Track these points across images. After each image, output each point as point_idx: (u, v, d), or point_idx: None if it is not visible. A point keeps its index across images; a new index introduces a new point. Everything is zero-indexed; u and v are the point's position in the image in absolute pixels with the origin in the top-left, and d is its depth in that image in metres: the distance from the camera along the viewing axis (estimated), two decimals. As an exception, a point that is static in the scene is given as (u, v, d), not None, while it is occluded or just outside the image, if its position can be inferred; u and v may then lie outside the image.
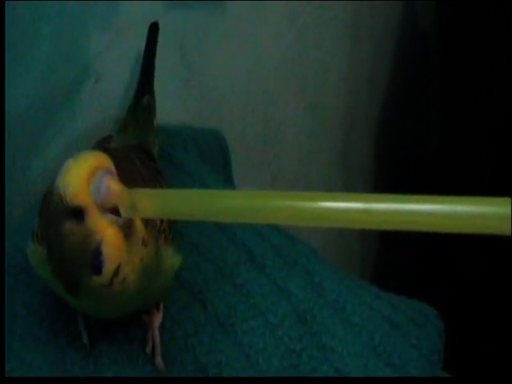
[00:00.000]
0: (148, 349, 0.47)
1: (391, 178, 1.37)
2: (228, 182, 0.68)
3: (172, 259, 0.45)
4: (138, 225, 0.40)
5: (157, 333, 0.48)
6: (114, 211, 0.38)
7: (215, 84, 0.77)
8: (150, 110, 0.57)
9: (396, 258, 1.50)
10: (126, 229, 0.39)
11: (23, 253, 0.49)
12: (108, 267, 0.39)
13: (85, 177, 0.38)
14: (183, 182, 0.59)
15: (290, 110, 0.94)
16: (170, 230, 0.45)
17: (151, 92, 0.58)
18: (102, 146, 0.50)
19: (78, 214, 0.38)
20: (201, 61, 0.73)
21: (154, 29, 0.61)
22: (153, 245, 0.42)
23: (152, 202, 0.38)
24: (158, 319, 0.48)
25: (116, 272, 0.39)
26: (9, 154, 0.53)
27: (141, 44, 0.63)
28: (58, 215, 0.38)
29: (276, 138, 0.91)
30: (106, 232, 0.38)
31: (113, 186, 0.38)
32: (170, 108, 0.70)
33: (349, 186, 1.18)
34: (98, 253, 0.38)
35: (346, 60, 1.08)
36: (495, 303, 1.34)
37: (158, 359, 0.47)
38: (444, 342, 0.56)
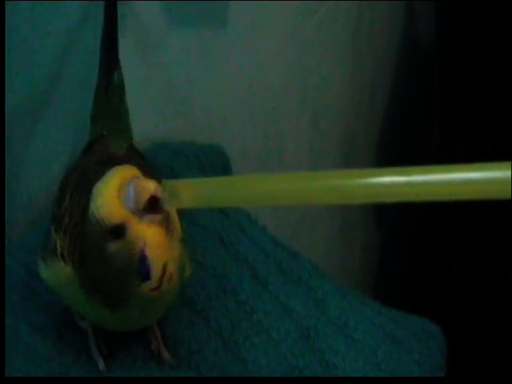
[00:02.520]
0: (153, 346, 0.48)
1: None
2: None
3: (191, 262, 0.46)
4: (175, 219, 0.40)
5: (156, 329, 0.48)
6: (151, 209, 0.38)
7: (217, 100, 0.77)
8: (121, 87, 0.53)
9: (397, 270, 1.50)
10: (165, 224, 0.39)
11: (27, 269, 0.49)
12: (156, 269, 0.39)
13: (114, 193, 0.38)
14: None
15: (291, 125, 0.94)
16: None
17: (119, 68, 0.53)
18: (102, 151, 0.49)
19: (117, 231, 0.38)
20: (203, 77, 0.73)
21: (112, 2, 0.53)
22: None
23: (192, 191, 0.38)
24: None
25: (163, 271, 0.39)
26: (12, 170, 0.53)
27: (145, 62, 0.63)
28: (99, 240, 0.39)
29: (277, 153, 0.92)
30: (147, 234, 0.38)
31: (138, 183, 0.38)
32: (172, 124, 0.70)
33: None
34: (143, 258, 0.39)
35: (347, 75, 1.09)
36: (492, 310, 1.34)
37: (165, 354, 0.47)
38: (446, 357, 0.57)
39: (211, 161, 0.68)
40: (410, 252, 1.50)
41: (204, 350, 0.48)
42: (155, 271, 0.39)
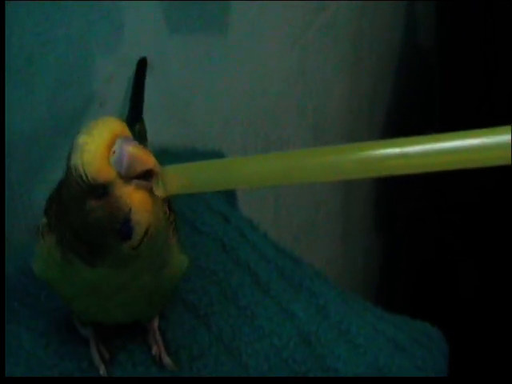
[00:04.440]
0: (154, 351, 0.48)
1: (393, 199, 1.37)
2: (231, 203, 0.69)
3: (179, 256, 0.45)
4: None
5: (158, 334, 0.48)
6: (140, 176, 0.37)
7: (218, 106, 0.77)
8: (141, 136, 0.56)
9: (399, 275, 1.50)
10: (151, 190, 0.38)
11: (28, 277, 0.50)
12: (138, 232, 0.38)
13: (104, 151, 0.36)
14: (187, 204, 0.59)
15: (291, 131, 0.94)
16: (177, 230, 0.45)
17: (141, 120, 0.58)
18: None
19: (101, 190, 0.37)
20: (203, 82, 0.74)
21: (142, 63, 0.62)
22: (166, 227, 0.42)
23: (180, 177, 0.38)
24: (155, 321, 0.49)
25: (146, 233, 0.39)
26: (14, 178, 0.54)
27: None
28: (80, 193, 0.37)
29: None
30: (133, 199, 0.38)
31: (135, 152, 0.37)
32: (172, 130, 0.70)
33: (350, 205, 1.19)
34: (126, 221, 0.38)
35: (347, 81, 1.09)
36: (495, 315, 1.34)
37: (166, 359, 0.47)
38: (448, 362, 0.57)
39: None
40: (411, 257, 1.50)
41: (205, 356, 0.48)
42: (138, 233, 0.38)
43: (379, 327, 0.54)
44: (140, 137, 0.56)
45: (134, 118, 0.57)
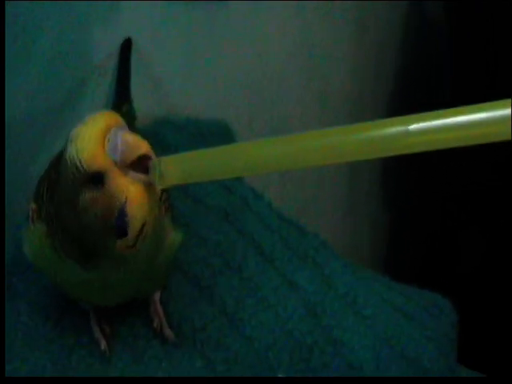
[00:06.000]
0: (155, 323, 0.47)
1: (398, 168, 1.36)
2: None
3: (173, 234, 0.44)
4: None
5: (159, 307, 0.47)
6: (135, 166, 0.37)
7: (222, 75, 0.76)
8: (130, 116, 0.56)
9: (406, 246, 1.49)
10: (148, 185, 0.38)
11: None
12: (133, 227, 0.37)
13: (98, 138, 0.36)
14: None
15: (296, 101, 0.93)
16: (170, 207, 0.44)
17: (128, 100, 0.58)
18: None
19: (97, 178, 0.36)
20: (207, 53, 0.72)
21: (127, 45, 0.61)
22: (158, 208, 0.41)
23: (178, 167, 0.37)
24: (157, 293, 0.48)
25: (141, 230, 0.38)
26: (11, 154, 0.52)
27: (143, 39, 0.62)
28: (76, 186, 0.37)
29: (283, 129, 0.90)
30: (129, 191, 0.37)
31: (129, 138, 0.36)
32: (176, 100, 0.69)
33: (356, 178, 1.17)
34: (122, 215, 0.37)
35: (352, 49, 1.07)
36: (498, 290, 1.33)
37: (167, 331, 0.47)
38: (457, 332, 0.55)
39: (216, 137, 0.67)
40: (418, 228, 1.49)
41: (208, 328, 0.47)
42: (133, 229, 0.37)
43: (387, 297, 0.53)
44: (128, 117, 0.54)
45: (121, 98, 0.58)
